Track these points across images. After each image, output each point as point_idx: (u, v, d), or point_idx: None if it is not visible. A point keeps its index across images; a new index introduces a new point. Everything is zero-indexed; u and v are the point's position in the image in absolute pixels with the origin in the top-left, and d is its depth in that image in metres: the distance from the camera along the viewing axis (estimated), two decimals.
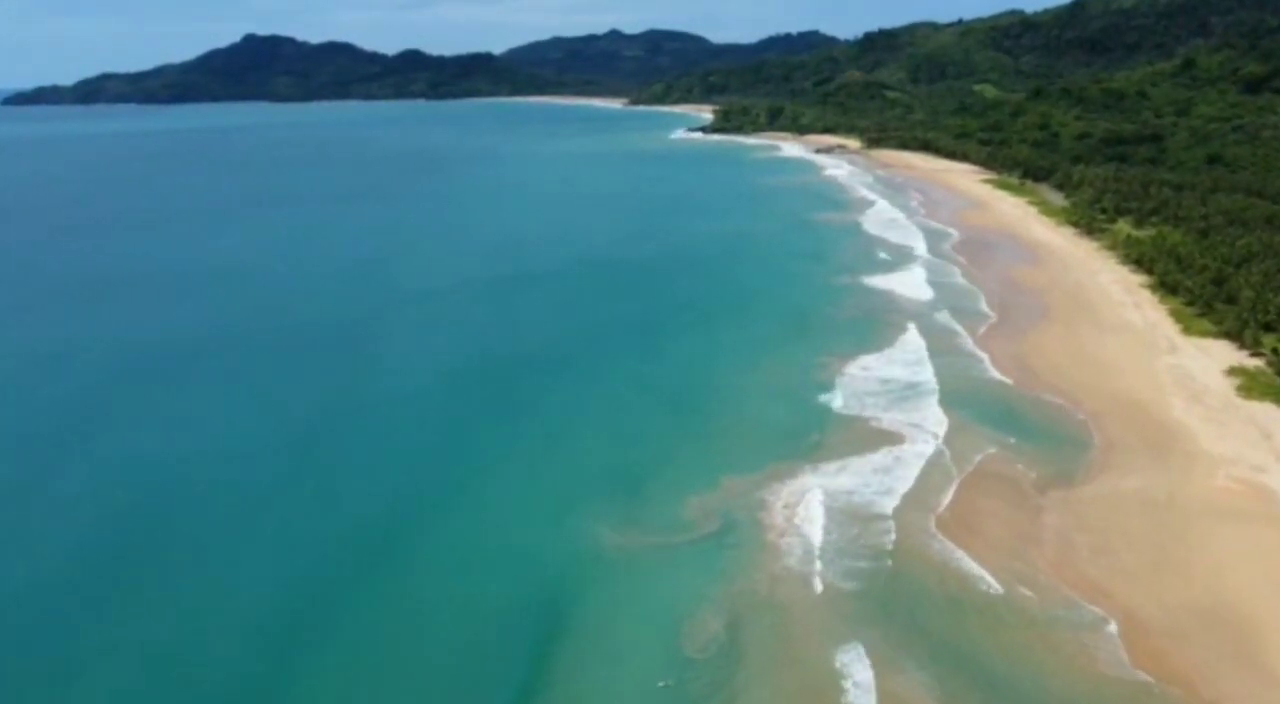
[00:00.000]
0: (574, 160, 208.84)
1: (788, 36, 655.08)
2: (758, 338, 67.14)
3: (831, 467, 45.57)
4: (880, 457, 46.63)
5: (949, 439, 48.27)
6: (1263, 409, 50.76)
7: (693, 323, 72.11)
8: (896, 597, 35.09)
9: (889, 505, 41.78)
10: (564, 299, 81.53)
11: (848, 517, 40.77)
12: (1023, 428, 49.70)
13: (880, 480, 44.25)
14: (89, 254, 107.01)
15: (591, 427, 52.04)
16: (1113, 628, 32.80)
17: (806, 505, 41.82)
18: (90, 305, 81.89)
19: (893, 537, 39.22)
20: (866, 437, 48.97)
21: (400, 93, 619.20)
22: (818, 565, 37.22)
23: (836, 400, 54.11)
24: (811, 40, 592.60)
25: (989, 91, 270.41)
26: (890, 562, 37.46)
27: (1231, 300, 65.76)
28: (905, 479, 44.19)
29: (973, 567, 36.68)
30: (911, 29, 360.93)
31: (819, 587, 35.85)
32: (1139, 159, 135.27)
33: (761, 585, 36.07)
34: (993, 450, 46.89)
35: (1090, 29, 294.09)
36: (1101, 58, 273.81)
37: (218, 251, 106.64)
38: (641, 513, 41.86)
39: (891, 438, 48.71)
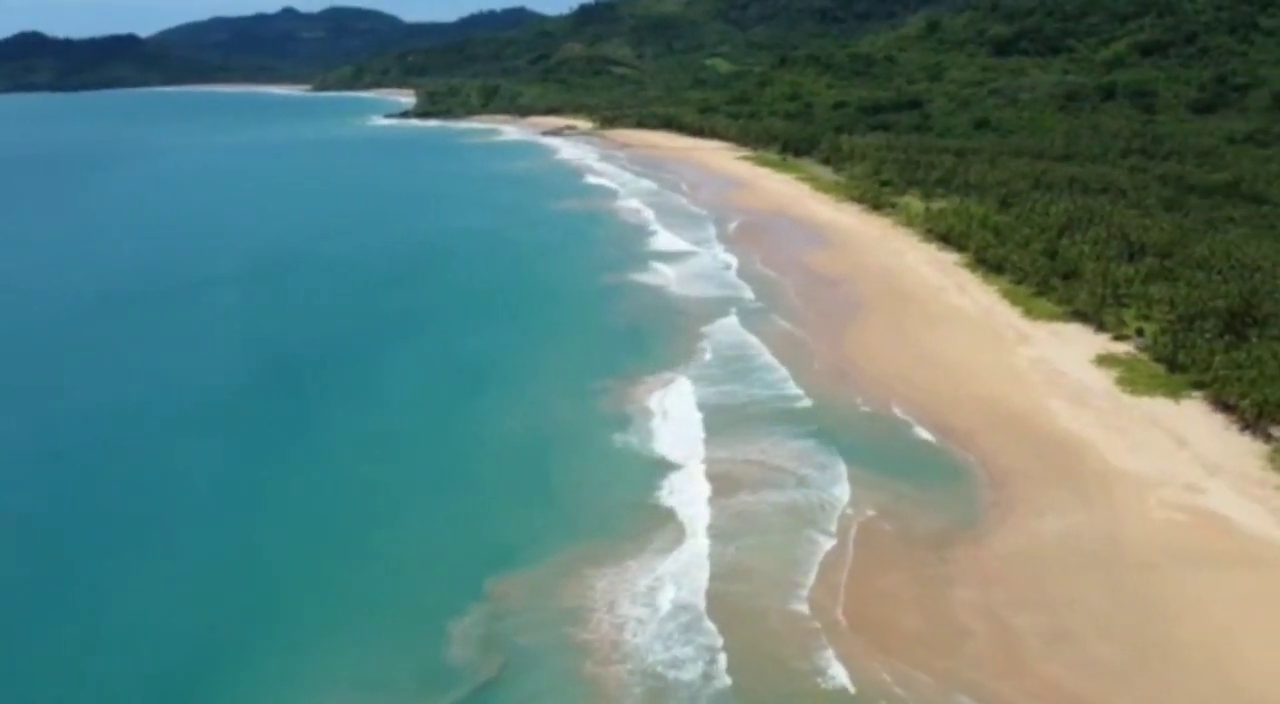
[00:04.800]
0: (255, 153, 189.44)
1: (492, 13, 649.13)
2: (532, 359, 56.75)
3: (662, 538, 35.67)
4: (721, 513, 37.20)
5: (807, 482, 39.68)
6: (1158, 406, 45.77)
7: (428, 349, 60.36)
8: None
9: (758, 593, 32.30)
10: (244, 324, 66.89)
11: (703, 617, 30.93)
12: (886, 459, 41.84)
13: (730, 552, 34.72)
14: None
15: (265, 509, 39.21)
16: None
17: (642, 605, 31.69)
18: None
19: (775, 645, 29.72)
20: (699, 484, 39.47)
21: (18, 84, 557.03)
22: None
23: (638, 437, 44.46)
24: (519, 17, 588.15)
25: (722, 65, 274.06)
26: (784, 687, 27.93)
27: (1070, 275, 62.17)
28: (763, 548, 34.97)
29: (907, 691, 27.76)
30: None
31: None
32: (903, 127, 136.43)
33: None
34: (864, 495, 38.60)
35: None
36: (834, 27, 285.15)
37: None
38: (371, 663, 29.50)
39: (739, 484, 39.42)
